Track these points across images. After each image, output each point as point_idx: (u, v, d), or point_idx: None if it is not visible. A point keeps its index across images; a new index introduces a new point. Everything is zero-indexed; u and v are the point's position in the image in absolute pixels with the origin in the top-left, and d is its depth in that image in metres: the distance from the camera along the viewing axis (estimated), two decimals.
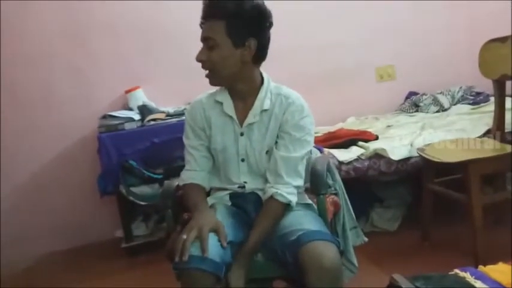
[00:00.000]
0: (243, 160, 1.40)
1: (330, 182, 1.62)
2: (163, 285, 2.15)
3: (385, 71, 3.25)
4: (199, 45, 1.34)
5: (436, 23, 3.24)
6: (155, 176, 2.51)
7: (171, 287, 2.05)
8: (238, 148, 1.39)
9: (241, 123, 1.39)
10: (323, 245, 1.16)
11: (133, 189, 2.49)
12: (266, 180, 1.40)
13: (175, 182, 1.52)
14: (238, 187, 1.42)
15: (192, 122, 1.43)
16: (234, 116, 1.39)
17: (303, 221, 1.30)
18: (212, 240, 1.21)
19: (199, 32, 1.34)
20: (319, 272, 1.12)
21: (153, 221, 2.71)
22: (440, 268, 1.20)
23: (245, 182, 1.41)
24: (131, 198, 2.46)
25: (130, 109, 2.69)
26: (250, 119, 1.38)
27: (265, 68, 1.44)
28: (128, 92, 2.73)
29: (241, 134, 1.39)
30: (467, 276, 1.10)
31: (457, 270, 1.13)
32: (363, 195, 2.51)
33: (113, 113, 2.59)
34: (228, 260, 1.23)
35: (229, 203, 1.43)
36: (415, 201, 2.47)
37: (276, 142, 1.39)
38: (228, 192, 1.44)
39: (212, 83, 1.38)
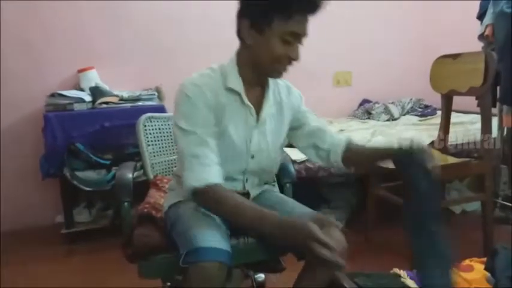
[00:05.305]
0: (252, 157, 1.24)
1: None
2: (101, 275, 2.09)
3: (342, 77, 3.33)
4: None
5: (393, 37, 3.37)
6: (102, 162, 2.42)
7: (109, 277, 2.03)
8: (250, 144, 1.22)
9: (257, 115, 1.23)
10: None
11: (78, 173, 2.39)
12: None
13: (128, 172, 1.38)
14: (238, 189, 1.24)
15: (202, 104, 1.14)
16: (252, 107, 1.21)
17: (295, 206, 1.28)
18: (219, 230, 1.11)
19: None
20: None
21: (97, 208, 2.63)
22: (380, 269, 1.25)
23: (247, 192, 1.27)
24: (75, 182, 2.36)
25: (82, 90, 2.58)
26: (267, 110, 1.23)
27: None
28: (80, 71, 2.61)
29: (256, 128, 1.23)
30: (404, 275, 1.15)
31: (395, 269, 1.18)
32: (311, 195, 2.56)
33: (63, 92, 2.47)
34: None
35: None
36: (361, 205, 2.55)
37: (298, 124, 1.35)
38: None
39: (280, 76, 1.23)
